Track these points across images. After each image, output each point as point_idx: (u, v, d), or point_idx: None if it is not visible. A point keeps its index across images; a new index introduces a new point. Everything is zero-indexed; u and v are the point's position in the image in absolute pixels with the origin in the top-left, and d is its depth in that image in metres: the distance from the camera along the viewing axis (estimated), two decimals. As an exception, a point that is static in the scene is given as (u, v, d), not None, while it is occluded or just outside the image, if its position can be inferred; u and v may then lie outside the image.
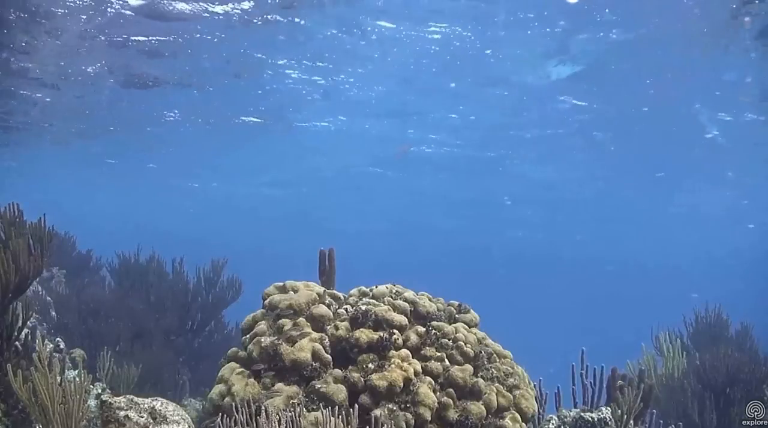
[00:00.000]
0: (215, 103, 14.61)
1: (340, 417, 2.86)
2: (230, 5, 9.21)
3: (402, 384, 3.70)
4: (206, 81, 12.97)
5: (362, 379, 3.75)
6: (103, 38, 10.08)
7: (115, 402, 3.42)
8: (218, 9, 9.30)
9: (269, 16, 9.69)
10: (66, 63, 11.17)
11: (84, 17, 9.18)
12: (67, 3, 8.61)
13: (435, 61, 12.12)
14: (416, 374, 3.83)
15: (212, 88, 13.39)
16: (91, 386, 4.79)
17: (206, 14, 9.43)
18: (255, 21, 9.80)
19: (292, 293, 4.35)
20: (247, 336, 4.20)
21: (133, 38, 10.26)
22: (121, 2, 8.81)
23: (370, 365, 3.82)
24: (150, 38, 10.34)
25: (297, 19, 9.95)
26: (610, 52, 11.11)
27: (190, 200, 32.30)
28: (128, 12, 9.13)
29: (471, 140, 18.21)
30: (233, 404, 3.62)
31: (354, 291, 4.57)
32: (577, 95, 13.90)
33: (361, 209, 30.65)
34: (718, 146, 16.03)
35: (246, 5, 9.26)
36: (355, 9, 9.75)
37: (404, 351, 3.91)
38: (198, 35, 10.27)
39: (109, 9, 8.97)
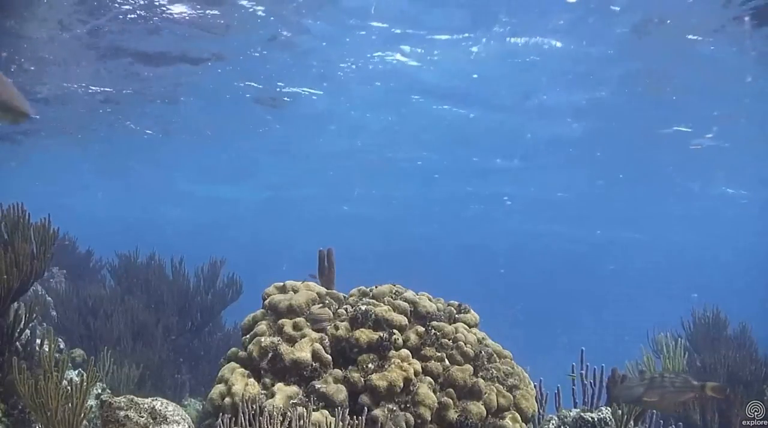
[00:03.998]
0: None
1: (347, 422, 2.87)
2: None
3: (402, 384, 3.70)
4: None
5: (362, 379, 3.75)
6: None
7: (115, 402, 3.42)
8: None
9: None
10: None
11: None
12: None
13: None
14: (416, 374, 3.83)
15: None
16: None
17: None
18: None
19: (292, 293, 4.35)
20: (247, 336, 4.21)
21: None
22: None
23: (370, 365, 3.82)
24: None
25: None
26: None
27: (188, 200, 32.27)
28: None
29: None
30: (233, 404, 3.62)
31: (354, 291, 4.57)
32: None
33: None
34: (715, 147, 16.02)
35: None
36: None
37: (404, 351, 3.92)
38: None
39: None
